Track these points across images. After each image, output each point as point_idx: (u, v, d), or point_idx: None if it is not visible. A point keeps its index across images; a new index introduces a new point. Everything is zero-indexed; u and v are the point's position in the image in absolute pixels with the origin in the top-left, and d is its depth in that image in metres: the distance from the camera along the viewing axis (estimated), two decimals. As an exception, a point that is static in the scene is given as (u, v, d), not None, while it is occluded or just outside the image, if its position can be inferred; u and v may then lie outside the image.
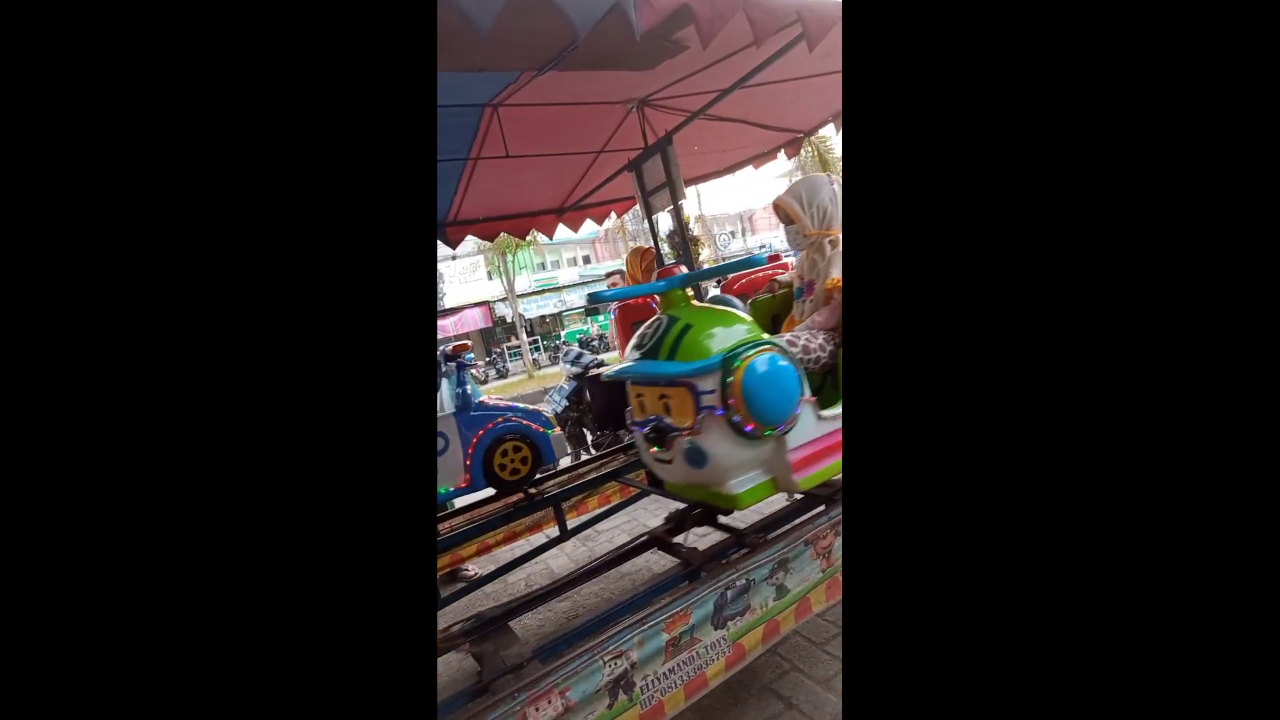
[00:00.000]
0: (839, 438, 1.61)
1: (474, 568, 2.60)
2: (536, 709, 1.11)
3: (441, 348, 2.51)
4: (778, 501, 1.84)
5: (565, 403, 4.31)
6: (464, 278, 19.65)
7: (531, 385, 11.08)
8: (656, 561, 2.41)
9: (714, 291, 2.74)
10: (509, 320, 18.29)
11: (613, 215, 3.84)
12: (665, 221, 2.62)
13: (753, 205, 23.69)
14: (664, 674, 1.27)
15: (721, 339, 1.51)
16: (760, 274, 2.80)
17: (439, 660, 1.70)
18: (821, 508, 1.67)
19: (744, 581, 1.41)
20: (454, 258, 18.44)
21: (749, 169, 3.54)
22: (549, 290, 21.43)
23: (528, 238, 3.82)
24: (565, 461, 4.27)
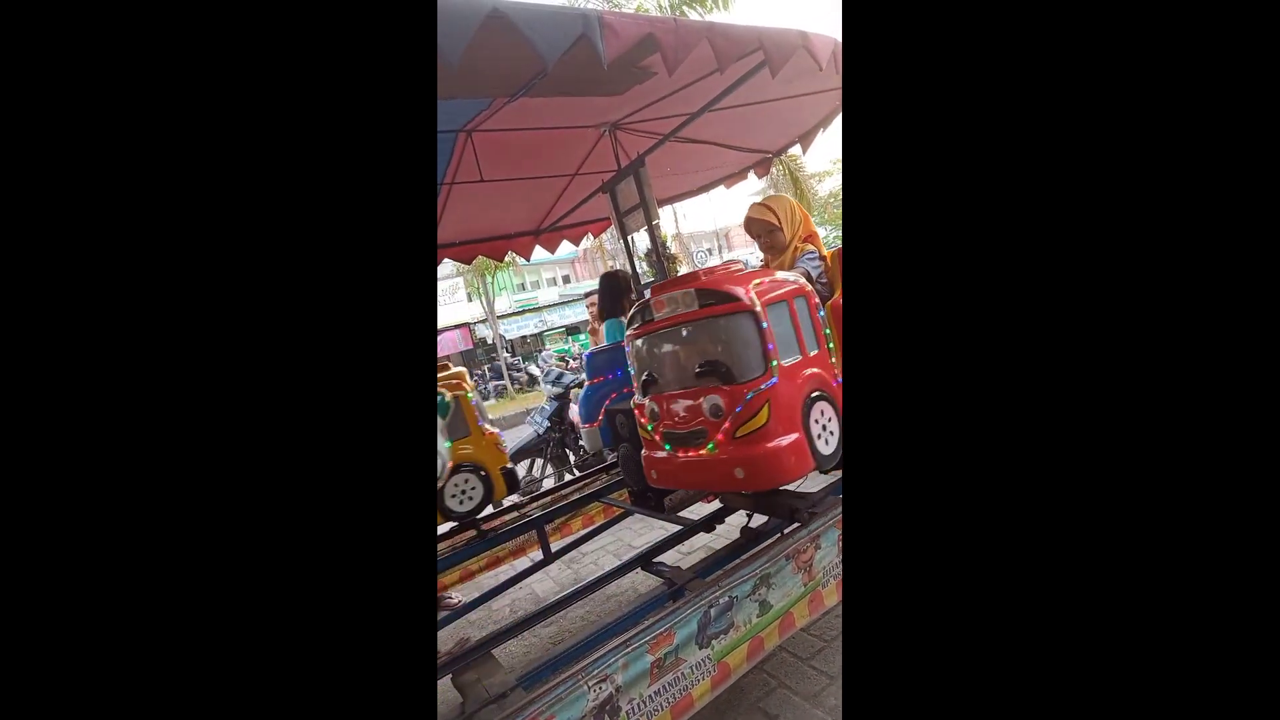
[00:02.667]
0: None
1: (457, 595, 2.55)
2: (520, 738, 1.09)
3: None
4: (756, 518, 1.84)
5: (546, 423, 4.27)
6: (443, 300, 19.54)
7: (512, 406, 10.98)
8: (642, 581, 2.39)
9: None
10: (490, 341, 18.21)
11: (589, 236, 3.87)
12: (643, 240, 2.65)
13: (729, 223, 24.04)
14: (649, 697, 1.26)
15: None
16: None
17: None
18: (797, 524, 1.68)
19: (727, 599, 1.41)
20: (433, 280, 18.36)
21: (721, 188, 3.61)
22: (529, 310, 21.43)
23: (505, 259, 3.83)
24: (549, 483, 4.21)
